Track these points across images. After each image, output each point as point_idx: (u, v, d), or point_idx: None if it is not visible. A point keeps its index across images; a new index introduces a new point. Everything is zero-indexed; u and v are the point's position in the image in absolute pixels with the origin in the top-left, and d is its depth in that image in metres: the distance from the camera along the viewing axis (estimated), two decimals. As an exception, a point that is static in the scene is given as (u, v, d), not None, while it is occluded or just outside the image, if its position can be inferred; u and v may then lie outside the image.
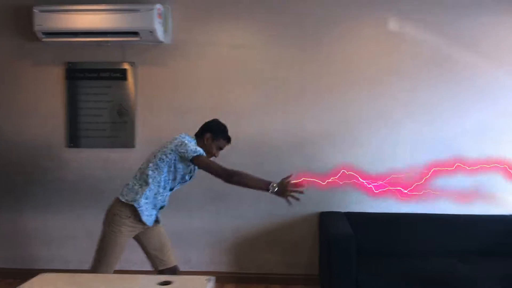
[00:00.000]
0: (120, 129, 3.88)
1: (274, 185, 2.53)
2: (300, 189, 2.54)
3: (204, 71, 3.82)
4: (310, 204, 3.67)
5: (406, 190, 3.68)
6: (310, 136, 3.78)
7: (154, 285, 1.91)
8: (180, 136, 2.71)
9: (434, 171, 3.66)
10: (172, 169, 2.66)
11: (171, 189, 2.76)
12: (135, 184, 2.66)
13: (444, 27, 3.68)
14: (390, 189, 3.70)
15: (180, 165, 2.67)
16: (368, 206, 3.71)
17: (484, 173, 3.65)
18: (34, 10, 3.58)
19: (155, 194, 2.66)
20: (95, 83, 3.87)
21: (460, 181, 3.67)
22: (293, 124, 3.79)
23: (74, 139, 3.90)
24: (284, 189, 2.52)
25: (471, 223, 3.60)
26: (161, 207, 2.77)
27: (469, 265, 3.23)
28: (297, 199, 2.54)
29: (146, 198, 2.63)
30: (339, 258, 3.09)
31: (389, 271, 3.19)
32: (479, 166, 3.63)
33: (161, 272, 2.75)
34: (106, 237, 2.62)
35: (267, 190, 2.54)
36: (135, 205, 2.60)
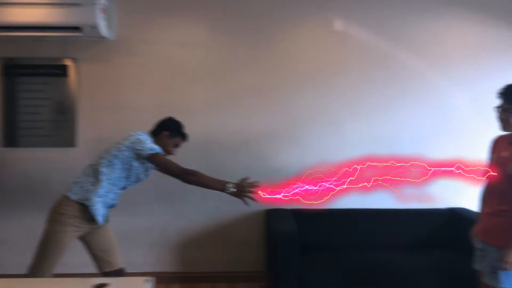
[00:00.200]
0: (60, 127, 3.74)
1: (231, 185, 2.54)
2: (257, 189, 2.56)
3: (149, 68, 3.76)
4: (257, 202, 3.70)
5: (345, 185, 3.76)
6: (257, 134, 3.81)
7: (89, 289, 1.85)
8: (136, 133, 2.67)
9: (372, 166, 3.78)
10: (126, 166, 2.60)
11: (123, 188, 2.70)
12: (86, 181, 2.58)
13: (387, 28, 3.83)
14: (335, 185, 3.78)
15: (135, 163, 2.61)
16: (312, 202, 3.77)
17: (421, 170, 3.83)
18: (-33, 3, 3.38)
19: (107, 192, 2.59)
20: (34, 80, 3.71)
21: (399, 177, 3.82)
22: (240, 122, 3.81)
23: (10, 138, 3.73)
24: (242, 190, 2.53)
25: (410, 217, 3.78)
26: (112, 206, 2.71)
27: (407, 257, 3.39)
28: (254, 199, 2.56)
29: (99, 196, 2.56)
30: (283, 254, 3.14)
31: (332, 265, 3.30)
32: (411, 162, 3.76)
33: (107, 274, 2.68)
34: (48, 237, 2.52)
35: (224, 190, 2.54)
36: (88, 203, 2.52)
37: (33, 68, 3.72)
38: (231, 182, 2.55)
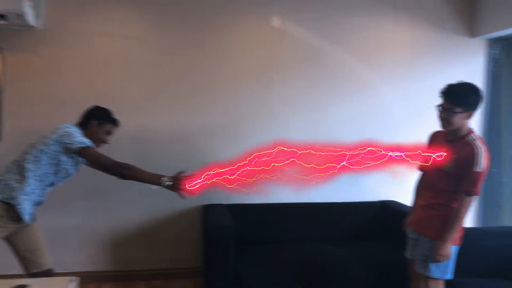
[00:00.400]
0: (-17, 120, 3.50)
1: (166, 179, 2.49)
2: (195, 184, 2.52)
3: (80, 60, 3.60)
4: (193, 197, 3.67)
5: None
6: (195, 129, 3.78)
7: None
8: (64, 125, 2.53)
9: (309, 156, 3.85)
10: (54, 162, 2.48)
11: (51, 184, 2.58)
12: (11, 179, 2.44)
13: (322, 26, 3.92)
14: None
15: (64, 158, 2.49)
16: (249, 197, 3.78)
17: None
18: None
19: (34, 189, 2.46)
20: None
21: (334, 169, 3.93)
22: (178, 117, 3.76)
23: None
24: (178, 184, 2.48)
25: (343, 210, 3.90)
26: (39, 203, 2.57)
27: (342, 249, 3.50)
28: (192, 194, 2.52)
29: (25, 194, 2.42)
30: (218, 249, 3.15)
31: (268, 259, 3.34)
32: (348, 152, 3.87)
33: (34, 275, 2.55)
34: None
35: (159, 184, 2.48)
36: (14, 202, 2.38)
37: (-49, 57, 3.45)
38: (166, 176, 2.50)
